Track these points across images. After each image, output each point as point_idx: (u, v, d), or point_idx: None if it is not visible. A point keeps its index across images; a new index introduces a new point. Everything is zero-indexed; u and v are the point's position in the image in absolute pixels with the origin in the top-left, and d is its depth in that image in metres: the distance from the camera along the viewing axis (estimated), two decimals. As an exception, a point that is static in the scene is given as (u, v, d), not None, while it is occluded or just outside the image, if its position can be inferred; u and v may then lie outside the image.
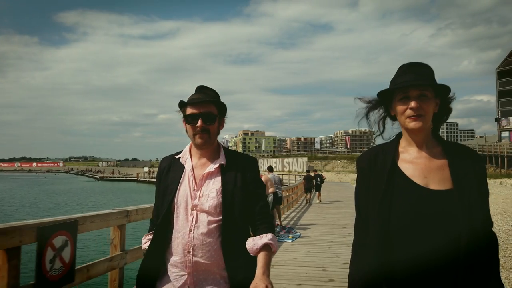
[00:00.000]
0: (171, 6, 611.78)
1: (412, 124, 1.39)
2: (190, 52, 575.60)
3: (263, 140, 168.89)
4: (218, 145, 1.88)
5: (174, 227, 1.76)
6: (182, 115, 1.82)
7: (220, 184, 1.77)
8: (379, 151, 1.49)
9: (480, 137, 72.65)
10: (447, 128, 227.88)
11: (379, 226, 1.38)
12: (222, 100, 1.85)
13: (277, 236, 4.50)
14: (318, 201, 18.90)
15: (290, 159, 63.75)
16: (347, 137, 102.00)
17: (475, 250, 1.29)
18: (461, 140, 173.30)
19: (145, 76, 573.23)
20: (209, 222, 1.72)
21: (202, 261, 1.70)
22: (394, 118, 1.49)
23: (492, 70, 50.01)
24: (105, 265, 3.18)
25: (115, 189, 53.87)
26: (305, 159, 61.76)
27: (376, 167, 1.45)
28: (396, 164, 1.44)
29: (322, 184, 19.90)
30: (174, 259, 1.74)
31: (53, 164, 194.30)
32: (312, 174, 19.92)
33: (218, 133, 1.84)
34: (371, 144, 1.51)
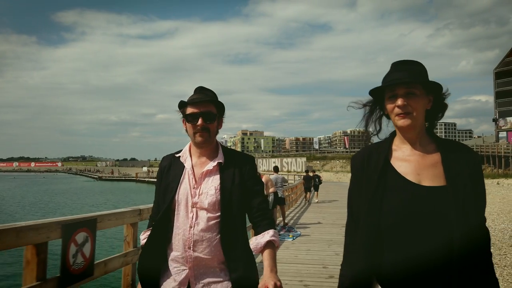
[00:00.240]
0: (170, 6, 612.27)
1: (400, 122, 1.39)
2: (189, 52, 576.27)
3: (262, 140, 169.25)
4: (216, 144, 1.93)
5: (174, 223, 1.81)
6: (181, 115, 1.88)
7: (218, 182, 1.82)
8: (373, 150, 1.49)
9: (478, 137, 72.88)
10: (445, 128, 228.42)
11: (369, 225, 1.38)
12: (220, 100, 1.90)
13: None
14: (316, 200, 19.17)
15: (289, 159, 63.96)
16: (345, 137, 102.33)
17: (469, 246, 1.28)
18: (459, 140, 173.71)
19: (144, 75, 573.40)
20: (209, 219, 1.78)
21: (202, 256, 1.76)
22: (389, 117, 1.48)
23: (490, 71, 50.27)
24: (120, 261, 3.38)
25: (114, 189, 53.98)
26: (304, 159, 61.99)
27: (369, 166, 1.45)
28: (389, 162, 1.43)
29: (319, 185, 20.23)
30: (175, 254, 1.79)
31: (51, 164, 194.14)
32: (311, 174, 20.16)
33: (217, 132, 1.90)
34: (369, 144, 1.56)
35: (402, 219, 1.33)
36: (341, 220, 12.25)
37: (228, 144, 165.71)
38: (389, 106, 1.41)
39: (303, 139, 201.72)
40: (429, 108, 1.42)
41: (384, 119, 1.52)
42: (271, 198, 10.04)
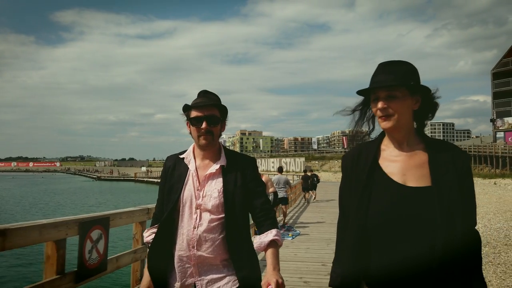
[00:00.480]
0: (169, 6, 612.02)
1: (382, 124, 1.40)
2: (187, 52, 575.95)
3: (261, 140, 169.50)
4: (219, 146, 1.97)
5: (179, 223, 1.86)
6: (186, 118, 1.91)
7: (221, 184, 1.86)
8: (363, 149, 1.49)
9: (476, 137, 73.18)
10: (443, 128, 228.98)
11: (357, 224, 1.38)
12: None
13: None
14: (314, 199, 19.48)
15: (288, 159, 64.12)
16: (344, 137, 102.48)
17: (454, 251, 1.27)
18: (457, 140, 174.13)
19: (142, 75, 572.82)
20: (212, 220, 1.83)
21: (206, 255, 1.81)
22: None
23: (488, 71, 50.26)
24: (130, 257, 3.56)
25: (113, 189, 54.06)
26: (303, 159, 62.18)
27: (358, 165, 1.46)
28: (377, 162, 1.44)
29: (317, 184, 20.53)
30: (180, 253, 1.84)
31: (49, 164, 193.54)
32: (309, 174, 20.40)
33: (220, 135, 1.94)
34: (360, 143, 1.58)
35: (386, 220, 1.34)
36: (340, 219, 12.43)
37: (227, 144, 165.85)
38: (373, 109, 1.43)
39: (302, 139, 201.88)
40: (416, 109, 1.41)
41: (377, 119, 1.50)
42: (271, 198, 10.23)
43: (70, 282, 2.67)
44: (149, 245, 1.91)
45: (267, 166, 61.46)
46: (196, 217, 1.83)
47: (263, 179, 9.70)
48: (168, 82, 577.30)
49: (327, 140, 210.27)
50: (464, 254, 1.29)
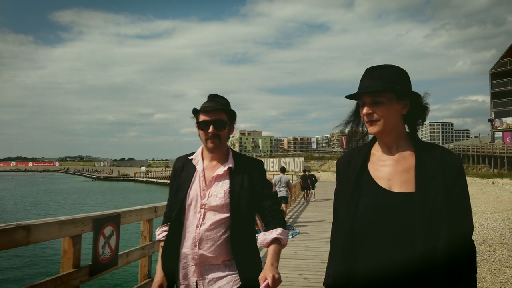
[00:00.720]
0: (168, 6, 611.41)
1: (369, 129, 1.41)
2: (187, 52, 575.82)
3: (260, 140, 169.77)
4: (227, 149, 2.01)
5: (185, 222, 1.92)
6: (195, 121, 1.96)
7: (228, 186, 1.91)
8: (354, 153, 1.49)
9: (475, 137, 73.41)
10: (442, 128, 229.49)
11: (345, 227, 1.39)
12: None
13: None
14: (313, 199, 19.74)
15: (287, 159, 64.38)
16: (343, 137, 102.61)
17: (436, 258, 1.24)
18: (456, 140, 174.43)
19: (141, 75, 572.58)
20: (215, 220, 1.87)
21: (207, 254, 1.86)
22: None
23: (487, 71, 50.46)
24: (139, 253, 3.74)
25: (113, 188, 54.20)
26: (302, 159, 62.48)
27: (349, 169, 1.46)
28: (366, 166, 1.44)
29: (316, 184, 20.90)
30: (184, 251, 1.90)
31: (49, 164, 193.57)
32: (307, 174, 20.71)
33: (228, 138, 1.98)
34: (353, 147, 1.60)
35: (369, 225, 1.34)
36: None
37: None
38: (361, 114, 1.43)
39: (301, 139, 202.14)
40: (405, 113, 1.40)
41: None
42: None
43: (85, 275, 2.85)
44: (161, 243, 2.02)
45: (266, 166, 61.47)
46: (200, 216, 1.89)
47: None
48: (167, 82, 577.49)
49: (326, 140, 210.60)
50: (450, 264, 1.25)
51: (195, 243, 1.86)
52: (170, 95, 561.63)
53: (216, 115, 1.92)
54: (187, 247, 1.89)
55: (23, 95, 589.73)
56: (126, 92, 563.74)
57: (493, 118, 48.23)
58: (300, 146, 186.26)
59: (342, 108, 1.55)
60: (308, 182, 19.93)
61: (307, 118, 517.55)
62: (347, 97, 1.44)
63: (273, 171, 50.86)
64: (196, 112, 1.97)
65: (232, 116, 1.99)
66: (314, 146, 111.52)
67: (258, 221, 6.63)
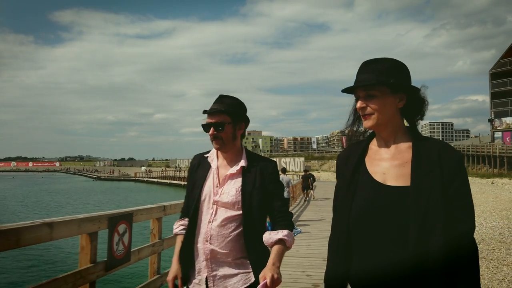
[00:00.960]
0: (168, 6, 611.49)
1: (364, 123, 1.39)
2: (186, 52, 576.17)
3: (260, 139, 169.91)
4: (241, 148, 2.05)
5: (198, 218, 1.97)
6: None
7: (240, 184, 1.95)
8: (353, 148, 1.48)
9: (475, 136, 73.54)
10: (442, 128, 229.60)
11: (341, 223, 1.39)
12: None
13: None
14: (313, 198, 20.21)
15: (287, 159, 64.49)
16: (343, 137, 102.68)
17: (431, 254, 1.20)
18: (456, 139, 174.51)
19: (141, 75, 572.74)
20: (226, 217, 1.91)
21: (218, 250, 1.90)
22: None
23: (486, 71, 50.52)
24: (149, 250, 3.89)
25: (114, 188, 54.39)
26: (302, 159, 62.65)
27: (347, 165, 1.44)
28: (363, 161, 1.42)
29: (314, 183, 21.26)
30: (198, 246, 1.95)
31: (49, 164, 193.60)
32: (307, 174, 21.01)
33: (234, 138, 1.99)
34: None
35: (363, 220, 1.32)
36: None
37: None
38: (357, 108, 1.42)
39: (301, 138, 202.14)
40: (402, 106, 1.37)
41: None
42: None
43: (101, 270, 3.00)
44: (177, 237, 2.09)
45: (266, 166, 61.64)
46: (212, 212, 1.94)
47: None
48: (167, 82, 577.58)
49: (327, 140, 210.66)
50: (447, 264, 1.21)
51: (207, 238, 1.92)
52: (170, 95, 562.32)
53: (217, 117, 1.97)
54: (200, 242, 1.95)
55: (23, 95, 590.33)
56: (126, 92, 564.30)
57: (493, 118, 48.38)
58: (300, 146, 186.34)
59: (342, 108, 1.47)
60: (309, 181, 20.16)
61: (307, 118, 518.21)
62: (343, 90, 1.42)
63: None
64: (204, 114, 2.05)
65: (236, 116, 2.01)
66: (314, 146, 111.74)
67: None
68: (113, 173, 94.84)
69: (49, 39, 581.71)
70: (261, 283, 1.64)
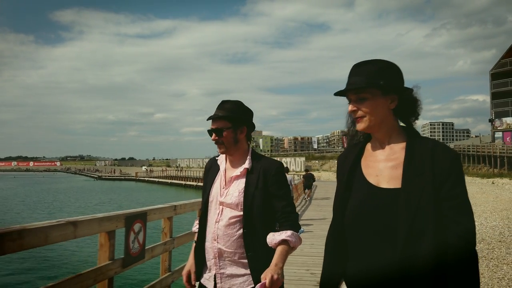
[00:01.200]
0: (168, 5, 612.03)
1: (357, 126, 1.38)
2: (187, 51, 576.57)
3: (261, 139, 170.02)
4: (247, 150, 2.11)
5: (208, 217, 2.08)
6: None
7: (243, 185, 2.01)
8: (351, 150, 1.48)
9: (476, 136, 73.58)
10: (443, 128, 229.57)
11: (335, 225, 1.39)
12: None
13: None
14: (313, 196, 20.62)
15: (288, 159, 64.58)
16: (344, 137, 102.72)
17: (422, 258, 1.18)
18: (456, 139, 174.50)
19: (142, 75, 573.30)
20: (231, 217, 1.99)
21: (224, 248, 1.98)
22: None
23: (487, 70, 50.58)
24: (161, 248, 4.04)
25: (115, 188, 54.52)
26: (303, 158, 62.80)
27: (344, 166, 1.45)
28: (359, 162, 1.42)
29: (314, 183, 21.62)
30: (207, 244, 2.05)
31: (50, 163, 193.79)
32: (307, 173, 21.23)
33: (236, 142, 2.05)
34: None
35: (356, 222, 1.32)
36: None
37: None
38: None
39: (302, 138, 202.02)
40: (394, 107, 1.36)
41: None
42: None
43: (119, 266, 3.15)
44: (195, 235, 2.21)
45: (267, 166, 61.71)
46: (219, 213, 2.03)
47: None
48: (168, 82, 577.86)
49: (327, 140, 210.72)
50: (438, 268, 1.19)
51: (214, 237, 2.01)
52: (170, 95, 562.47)
53: (216, 123, 2.04)
54: (209, 241, 2.04)
55: (24, 94, 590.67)
56: (127, 92, 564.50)
57: (493, 118, 48.48)
58: (301, 146, 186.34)
59: (342, 108, 1.46)
60: (309, 181, 20.44)
61: (307, 118, 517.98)
62: (335, 94, 1.41)
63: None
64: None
65: (236, 121, 2.05)
66: (315, 146, 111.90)
67: None
68: (114, 172, 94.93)
69: (49, 38, 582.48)
70: (261, 282, 1.66)
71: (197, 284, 2.12)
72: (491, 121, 48.93)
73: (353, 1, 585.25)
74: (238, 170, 2.06)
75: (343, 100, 1.46)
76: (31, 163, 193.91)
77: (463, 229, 1.22)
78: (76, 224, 2.60)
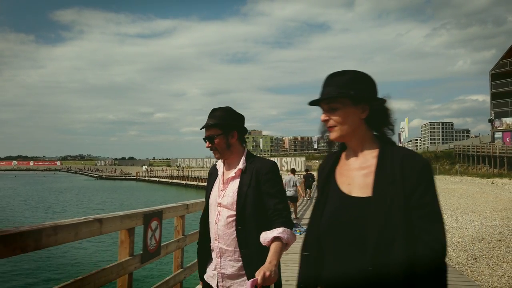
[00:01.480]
0: (168, 5, 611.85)
1: (330, 136, 1.41)
2: (187, 51, 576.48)
3: (261, 139, 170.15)
4: (242, 152, 2.20)
5: (209, 219, 2.19)
6: None
7: (237, 186, 2.10)
8: (329, 158, 1.50)
9: (475, 136, 73.70)
10: (443, 128, 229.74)
11: (311, 234, 1.41)
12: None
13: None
14: (308, 197, 20.85)
15: (288, 159, 64.71)
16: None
17: (388, 270, 1.19)
18: (456, 139, 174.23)
19: (142, 74, 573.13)
20: (227, 217, 2.08)
21: (225, 247, 2.08)
22: None
23: (487, 70, 50.73)
24: (175, 245, 4.20)
25: (116, 187, 54.71)
26: (303, 158, 62.86)
27: (322, 174, 1.48)
28: (334, 171, 1.43)
29: (314, 183, 21.70)
30: (211, 244, 2.17)
31: (50, 163, 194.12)
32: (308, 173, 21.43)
33: (228, 146, 2.14)
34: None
35: (330, 232, 1.33)
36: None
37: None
38: None
39: (302, 138, 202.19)
40: (365, 117, 1.37)
41: None
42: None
43: (138, 262, 3.31)
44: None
45: (268, 166, 61.86)
46: (217, 214, 2.13)
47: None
48: (168, 81, 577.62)
49: (327, 139, 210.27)
50: (406, 278, 1.18)
51: (216, 237, 2.12)
52: (170, 94, 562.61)
53: (209, 131, 2.15)
54: (211, 241, 2.16)
55: (24, 94, 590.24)
56: (127, 91, 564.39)
57: (493, 118, 48.67)
58: (301, 146, 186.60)
59: None
60: (309, 181, 20.67)
61: (307, 118, 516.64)
62: (309, 103, 1.43)
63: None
64: None
65: (226, 127, 2.14)
66: (315, 146, 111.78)
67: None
68: (115, 172, 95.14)
69: (50, 38, 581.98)
70: (250, 280, 1.67)
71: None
72: (491, 121, 49.13)
73: (353, 1, 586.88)
74: (233, 171, 2.16)
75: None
76: (32, 163, 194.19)
77: (433, 238, 1.21)
78: (101, 221, 2.76)
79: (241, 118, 2.23)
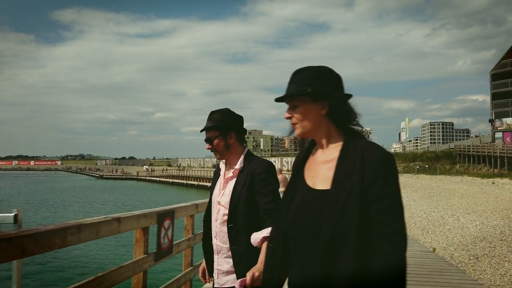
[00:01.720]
0: (168, 5, 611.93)
1: (294, 132, 1.42)
2: (187, 51, 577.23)
3: (261, 139, 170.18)
4: (241, 152, 2.24)
5: (211, 217, 2.26)
6: None
7: (233, 185, 2.17)
8: (300, 153, 1.51)
9: (476, 136, 73.71)
10: (443, 128, 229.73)
11: (278, 229, 1.41)
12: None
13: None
14: None
15: (289, 158, 64.68)
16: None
17: (339, 259, 1.18)
18: (456, 139, 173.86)
19: (142, 74, 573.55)
20: (223, 214, 2.15)
21: (221, 245, 2.15)
22: None
23: (487, 70, 50.78)
24: (185, 244, 4.31)
25: (117, 187, 54.73)
26: (304, 158, 62.66)
27: (294, 168, 1.49)
28: (303, 166, 1.44)
29: None
30: (212, 241, 2.23)
31: (50, 162, 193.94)
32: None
33: (227, 147, 2.20)
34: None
35: (294, 225, 1.33)
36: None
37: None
38: None
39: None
40: (326, 113, 1.36)
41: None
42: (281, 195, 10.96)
43: (152, 260, 3.42)
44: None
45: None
46: (216, 212, 2.20)
47: (279, 177, 10.42)
48: (168, 81, 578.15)
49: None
50: (364, 269, 1.16)
51: (214, 235, 2.20)
52: (170, 94, 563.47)
53: (208, 133, 2.22)
54: (212, 239, 2.23)
55: (24, 93, 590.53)
56: (127, 91, 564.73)
57: (493, 118, 48.69)
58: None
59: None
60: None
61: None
62: (276, 100, 1.43)
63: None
64: None
65: (224, 128, 2.19)
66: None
67: None
68: (116, 172, 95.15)
69: (50, 38, 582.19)
70: (239, 280, 1.71)
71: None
72: (491, 121, 49.14)
73: (353, 1, 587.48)
74: (231, 172, 2.23)
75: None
76: (32, 162, 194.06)
77: (391, 232, 1.18)
78: (120, 220, 2.87)
79: (239, 119, 2.28)
